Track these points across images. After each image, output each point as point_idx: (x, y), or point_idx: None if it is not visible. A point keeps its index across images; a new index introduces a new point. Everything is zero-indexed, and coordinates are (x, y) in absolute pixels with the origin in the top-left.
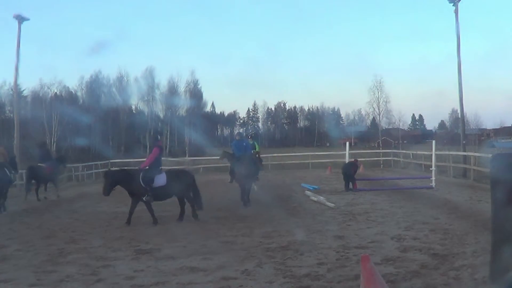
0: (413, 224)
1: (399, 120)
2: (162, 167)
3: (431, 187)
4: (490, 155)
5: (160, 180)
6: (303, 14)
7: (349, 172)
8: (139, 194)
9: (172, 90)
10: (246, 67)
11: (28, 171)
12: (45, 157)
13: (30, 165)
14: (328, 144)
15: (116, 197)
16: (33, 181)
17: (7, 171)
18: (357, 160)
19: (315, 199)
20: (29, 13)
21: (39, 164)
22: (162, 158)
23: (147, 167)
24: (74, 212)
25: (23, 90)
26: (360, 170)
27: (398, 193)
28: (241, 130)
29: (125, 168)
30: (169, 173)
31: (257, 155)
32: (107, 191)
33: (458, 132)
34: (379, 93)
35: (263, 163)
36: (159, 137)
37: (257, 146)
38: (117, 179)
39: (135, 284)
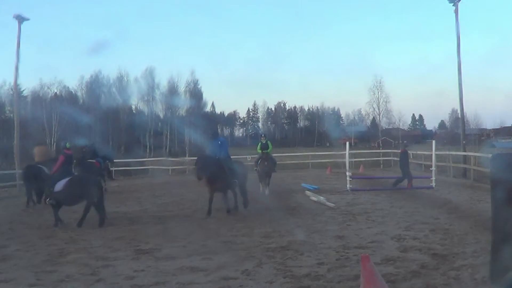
0: (413, 224)
1: (399, 120)
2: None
3: (431, 187)
4: (490, 155)
5: (60, 185)
6: (303, 14)
7: (402, 165)
8: (46, 197)
9: (172, 90)
10: (246, 67)
11: (79, 167)
12: (93, 154)
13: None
14: (328, 144)
15: (116, 197)
16: None
17: (46, 170)
18: (403, 149)
19: (315, 199)
20: (29, 13)
21: (88, 160)
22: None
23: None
24: (74, 212)
25: (23, 90)
26: (360, 170)
27: (398, 193)
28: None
29: (42, 174)
30: (73, 179)
31: (264, 156)
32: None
33: (458, 132)
34: (379, 93)
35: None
36: (67, 145)
37: (270, 145)
38: (36, 185)
39: (135, 284)
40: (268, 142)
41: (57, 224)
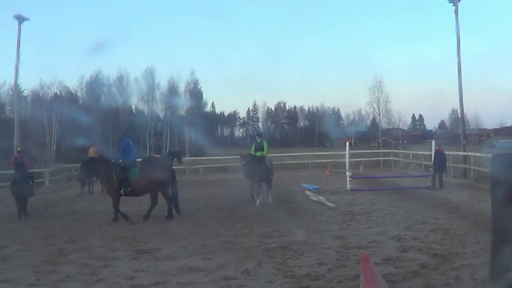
0: (413, 224)
1: (399, 120)
2: None
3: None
4: (490, 155)
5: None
6: (303, 14)
7: (437, 165)
8: None
9: (172, 90)
10: (246, 67)
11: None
12: (158, 150)
13: (144, 157)
14: (328, 144)
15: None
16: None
17: None
18: (441, 148)
19: (315, 199)
20: (29, 13)
21: (154, 155)
22: None
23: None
24: (74, 212)
25: (23, 90)
26: (360, 170)
27: (398, 193)
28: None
29: None
30: (12, 178)
31: (251, 156)
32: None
33: (458, 132)
34: (379, 93)
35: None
36: (18, 148)
37: (265, 146)
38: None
39: (135, 284)
40: (264, 142)
41: (20, 216)
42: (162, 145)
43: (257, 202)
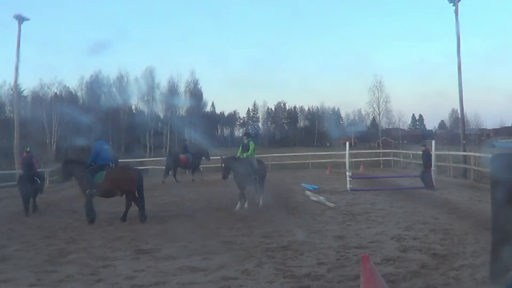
0: (413, 224)
1: (399, 120)
2: None
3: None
4: (490, 155)
5: None
6: (303, 14)
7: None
8: None
9: (172, 90)
10: (246, 67)
11: (167, 160)
12: (184, 151)
13: (168, 155)
14: (328, 144)
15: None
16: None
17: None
18: (426, 147)
19: (315, 199)
20: (29, 13)
21: (180, 155)
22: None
23: None
24: (74, 212)
25: (23, 90)
26: (360, 170)
27: (398, 193)
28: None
29: None
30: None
31: (234, 159)
32: None
33: (458, 132)
34: (379, 93)
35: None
36: (27, 149)
37: (251, 147)
38: None
39: (135, 284)
40: (250, 143)
41: (27, 213)
42: (186, 145)
43: (245, 205)
